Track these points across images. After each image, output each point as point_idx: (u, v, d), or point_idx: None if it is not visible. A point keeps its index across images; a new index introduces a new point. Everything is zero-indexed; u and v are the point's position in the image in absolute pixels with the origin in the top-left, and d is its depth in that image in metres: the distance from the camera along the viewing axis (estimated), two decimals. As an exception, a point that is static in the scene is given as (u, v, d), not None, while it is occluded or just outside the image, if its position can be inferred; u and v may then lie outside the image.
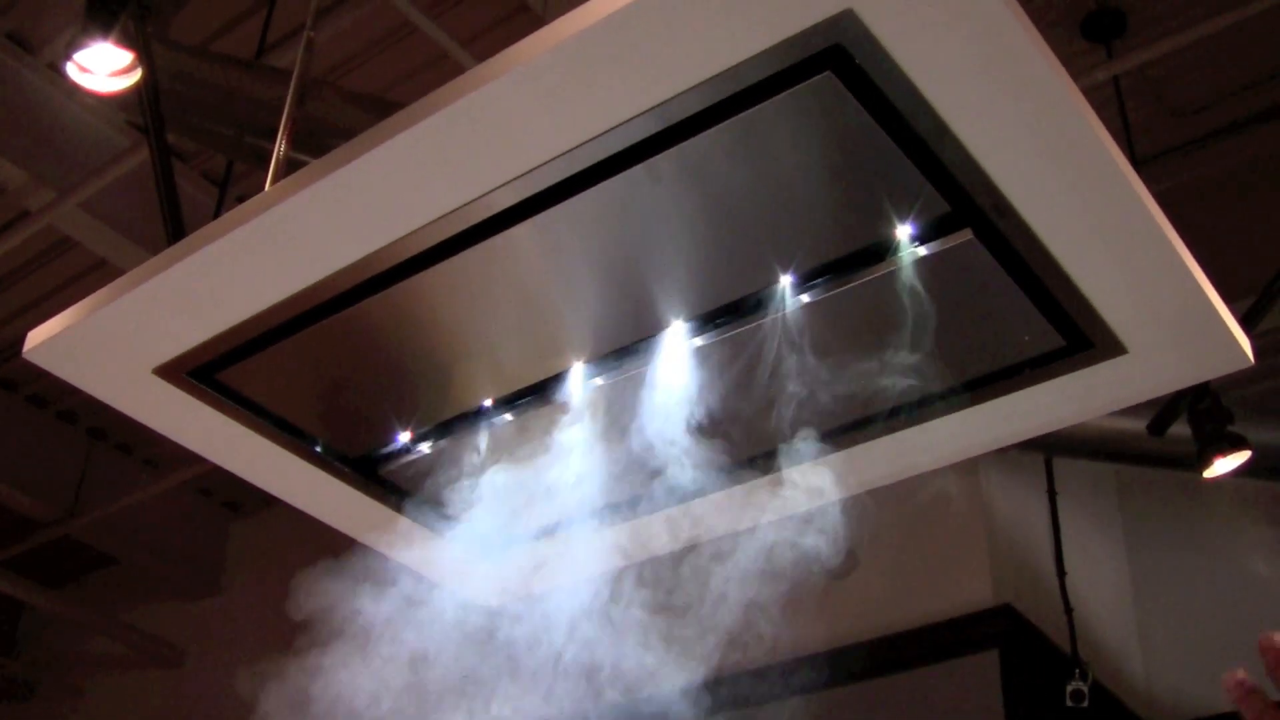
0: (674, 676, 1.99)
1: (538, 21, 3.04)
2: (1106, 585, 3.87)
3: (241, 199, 3.73)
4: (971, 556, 3.36)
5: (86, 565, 5.63)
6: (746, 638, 2.06)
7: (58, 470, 4.95)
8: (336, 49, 3.15)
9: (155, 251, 3.73)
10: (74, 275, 4.37)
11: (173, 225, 2.24)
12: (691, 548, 1.90)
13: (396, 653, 1.80)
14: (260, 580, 5.22)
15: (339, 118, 2.29)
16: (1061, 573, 3.48)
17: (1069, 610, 3.38)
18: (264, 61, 2.85)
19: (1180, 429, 2.95)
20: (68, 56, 2.07)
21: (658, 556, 1.91)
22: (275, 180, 1.72)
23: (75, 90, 3.52)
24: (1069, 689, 3.12)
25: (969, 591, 3.31)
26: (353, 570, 1.95)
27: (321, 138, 2.27)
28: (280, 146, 1.74)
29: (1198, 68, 3.11)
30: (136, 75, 2.02)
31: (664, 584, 1.95)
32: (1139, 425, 3.04)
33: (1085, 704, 3.10)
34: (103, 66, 2.03)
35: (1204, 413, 2.75)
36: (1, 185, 3.51)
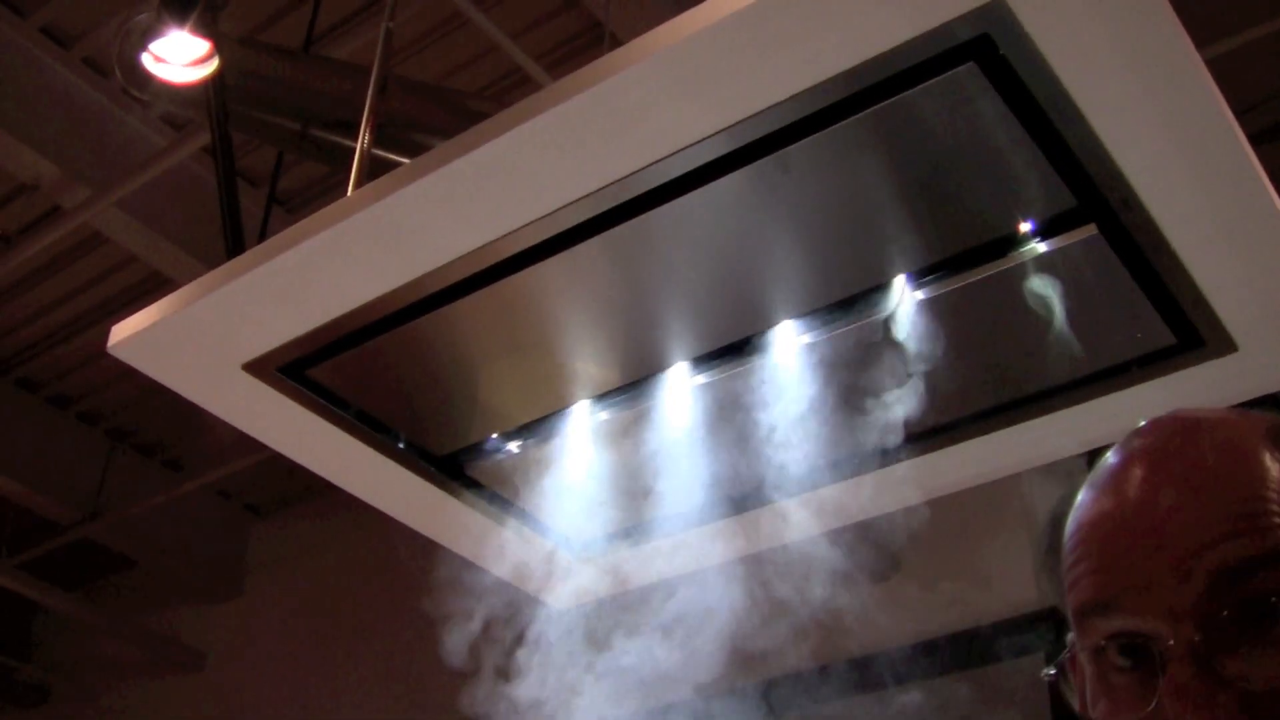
0: (717, 681, 1.97)
1: (589, 16, 3.02)
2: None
3: (277, 199, 3.70)
4: (1016, 559, 3.34)
5: (106, 568, 5.57)
6: (788, 642, 2.04)
7: (78, 472, 4.90)
8: (387, 41, 3.13)
9: (191, 249, 3.69)
10: (97, 276, 4.33)
11: (231, 221, 2.21)
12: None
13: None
14: (282, 583, 5.18)
15: (402, 109, 2.26)
16: (1105, 576, 3.46)
17: (1113, 614, 3.36)
18: (315, 53, 2.83)
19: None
20: (142, 47, 2.04)
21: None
22: (359, 175, 1.70)
23: (105, 84, 3.51)
24: (1117, 693, 3.09)
25: (1014, 595, 3.30)
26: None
27: (386, 129, 2.24)
28: (363, 140, 1.72)
29: (1247, 68, 3.10)
30: (214, 64, 1.99)
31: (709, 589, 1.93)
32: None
33: (1133, 708, 3.08)
34: (180, 56, 2.00)
35: (1262, 415, 2.72)
36: (35, 181, 3.47)
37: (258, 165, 3.71)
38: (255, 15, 3.25)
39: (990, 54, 1.12)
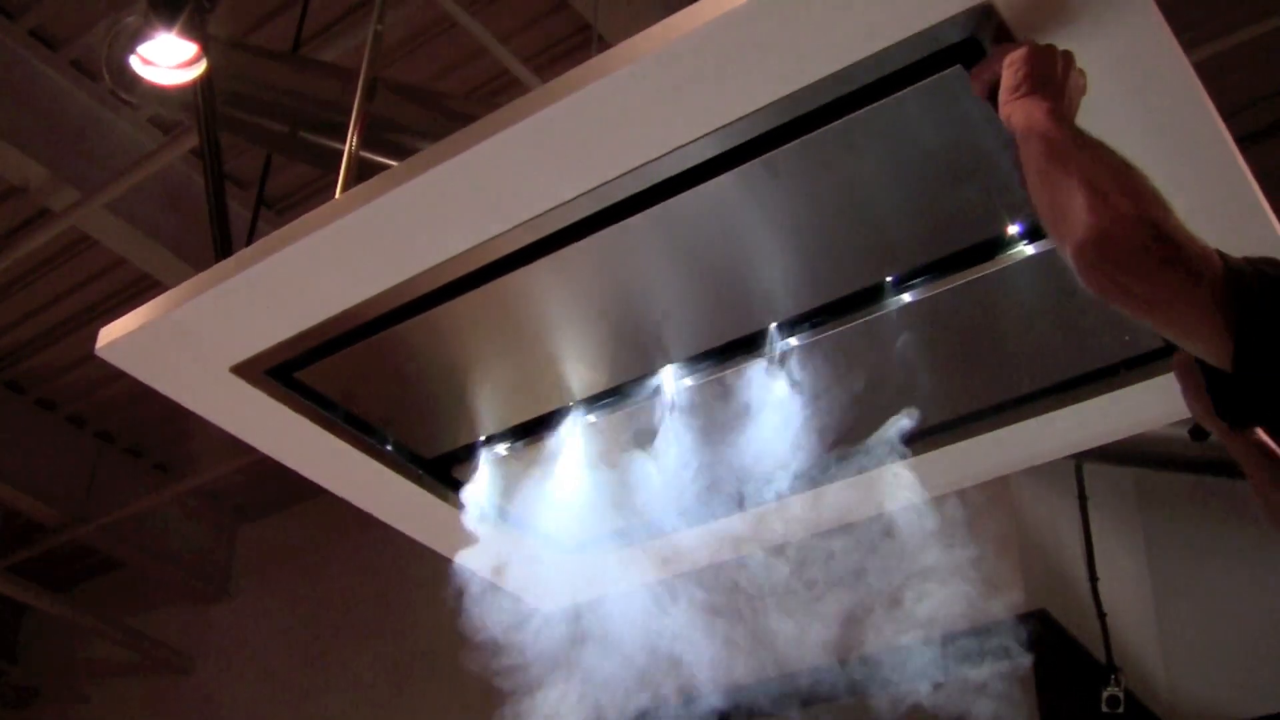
0: (714, 680, 1.96)
1: (578, 19, 3.01)
2: (1129, 591, 3.86)
3: (265, 202, 3.69)
4: (1004, 562, 3.34)
5: (94, 570, 5.56)
6: (776, 643, 2.04)
7: (66, 475, 4.88)
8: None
9: (179, 252, 3.67)
10: (86, 278, 4.31)
11: (219, 224, 2.20)
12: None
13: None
14: (270, 586, 5.17)
15: (391, 112, 2.26)
16: (1094, 578, 3.47)
17: (1102, 615, 3.37)
18: (304, 55, 2.82)
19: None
20: (131, 49, 2.03)
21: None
22: (348, 177, 1.69)
23: (94, 87, 3.50)
24: (1105, 694, 3.10)
25: (1003, 597, 3.30)
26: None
27: (375, 131, 2.24)
28: (352, 143, 1.71)
29: (1234, 71, 3.12)
30: (202, 66, 1.99)
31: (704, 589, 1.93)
32: (1175, 431, 3.02)
33: (1121, 709, 3.09)
34: (168, 58, 2.00)
35: (1250, 417, 2.73)
36: (23, 183, 3.46)
37: (246, 168, 3.70)
38: (244, 18, 3.24)
39: (977, 57, 1.12)
